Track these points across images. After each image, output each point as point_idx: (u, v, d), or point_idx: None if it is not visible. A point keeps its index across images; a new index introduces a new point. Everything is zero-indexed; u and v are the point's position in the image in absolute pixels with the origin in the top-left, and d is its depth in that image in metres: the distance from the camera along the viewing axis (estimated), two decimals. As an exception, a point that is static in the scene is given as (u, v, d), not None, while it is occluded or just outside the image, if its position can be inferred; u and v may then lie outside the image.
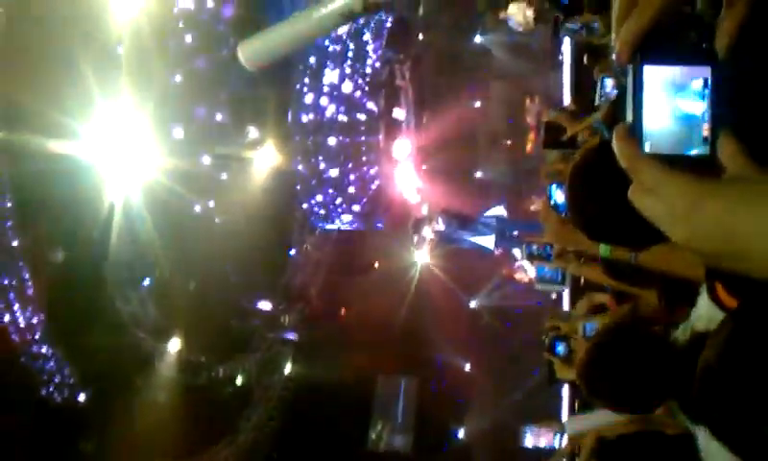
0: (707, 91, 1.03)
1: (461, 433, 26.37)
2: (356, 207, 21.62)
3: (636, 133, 1.08)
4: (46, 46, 16.44)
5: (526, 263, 18.57)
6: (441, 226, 17.88)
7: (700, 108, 1.03)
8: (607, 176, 2.06)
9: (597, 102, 4.83)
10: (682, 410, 2.50)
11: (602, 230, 2.13)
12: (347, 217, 21.92)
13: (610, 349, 2.47)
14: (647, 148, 1.08)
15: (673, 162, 1.05)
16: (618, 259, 4.06)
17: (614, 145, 1.13)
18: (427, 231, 18.58)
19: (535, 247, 5.06)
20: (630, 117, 1.08)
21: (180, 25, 18.54)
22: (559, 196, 6.21)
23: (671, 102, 1.04)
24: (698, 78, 1.04)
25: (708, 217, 0.97)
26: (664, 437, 2.65)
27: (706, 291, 2.33)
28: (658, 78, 1.05)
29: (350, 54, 20.47)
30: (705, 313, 2.32)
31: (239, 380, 23.03)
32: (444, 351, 26.61)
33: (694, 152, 1.04)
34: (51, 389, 17.66)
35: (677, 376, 2.35)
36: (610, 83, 4.66)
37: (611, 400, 2.50)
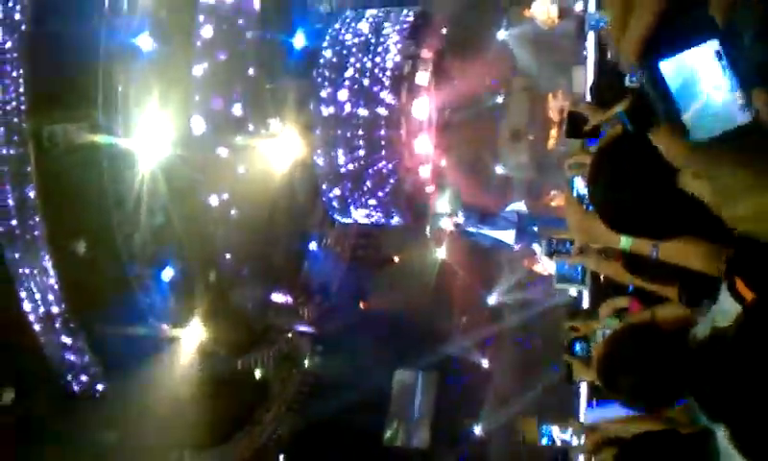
0: (723, 62, 1.01)
1: (478, 429, 26.32)
2: (374, 201, 21.58)
3: (677, 126, 1.07)
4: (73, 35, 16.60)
5: (546, 260, 18.51)
6: (461, 219, 17.85)
7: (724, 80, 1.01)
8: (630, 165, 2.03)
9: (627, 82, 4.78)
10: (700, 408, 2.45)
11: (624, 219, 2.10)
12: (366, 211, 21.88)
13: (628, 342, 2.44)
14: (693, 135, 1.07)
15: (723, 141, 1.04)
16: (639, 255, 4.00)
17: (660, 144, 1.13)
18: (447, 224, 18.58)
19: (555, 242, 4.98)
20: (665, 114, 1.06)
21: (202, 18, 18.60)
22: (581, 187, 6.16)
23: (698, 84, 1.02)
24: (710, 52, 1.02)
25: (761, 200, 0.99)
26: (679, 436, 2.60)
27: (726, 286, 2.29)
28: (675, 69, 1.03)
29: (371, 47, 20.42)
30: (725, 309, 2.28)
31: (257, 373, 23.11)
32: (463, 346, 26.56)
33: (739, 122, 1.02)
34: (72, 378, 17.80)
35: (695, 371, 2.31)
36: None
37: (627, 394, 2.46)
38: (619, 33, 1.06)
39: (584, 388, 10.12)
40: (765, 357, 2.13)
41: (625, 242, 2.91)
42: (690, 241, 2.15)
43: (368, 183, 20.80)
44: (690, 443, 2.64)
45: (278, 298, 20.28)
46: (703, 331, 2.48)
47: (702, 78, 1.02)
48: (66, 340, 17.33)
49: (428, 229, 21.76)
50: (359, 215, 22.37)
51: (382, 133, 20.08)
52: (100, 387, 17.85)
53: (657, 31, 1.19)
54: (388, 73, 20.13)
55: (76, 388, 17.86)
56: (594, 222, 2.62)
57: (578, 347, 5.51)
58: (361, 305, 25.25)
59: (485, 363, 26.19)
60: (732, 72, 1.02)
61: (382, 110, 19.98)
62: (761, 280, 1.98)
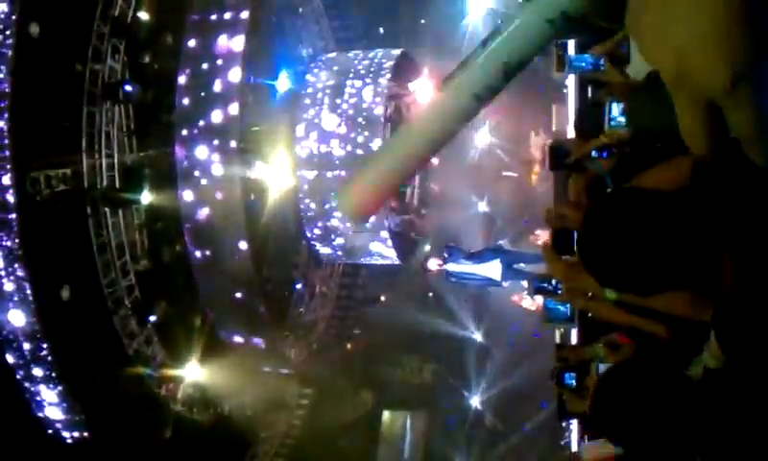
0: None
1: (469, 469, 26.12)
2: (361, 241, 21.60)
3: None
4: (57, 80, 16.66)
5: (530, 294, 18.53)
6: (446, 257, 17.85)
7: None
8: (618, 221, 2.05)
9: (606, 127, 4.85)
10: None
11: (612, 278, 2.11)
12: (351, 249, 21.89)
13: (621, 382, 2.43)
14: None
15: None
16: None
17: None
18: (432, 265, 18.54)
19: (541, 281, 4.99)
20: None
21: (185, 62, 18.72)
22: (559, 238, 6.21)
23: None
24: None
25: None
26: None
27: (714, 335, 2.31)
28: None
29: (355, 88, 20.59)
30: (715, 350, 2.29)
31: (244, 416, 22.87)
32: (452, 386, 26.44)
33: None
34: (56, 428, 17.57)
35: (690, 413, 2.31)
36: (616, 107, 4.69)
37: (621, 439, 2.44)
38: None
39: (575, 426, 10.06)
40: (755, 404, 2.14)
41: (610, 294, 2.93)
42: (677, 294, 2.17)
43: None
44: None
45: (264, 339, 20.14)
46: (696, 371, 2.48)
47: None
48: (50, 387, 17.10)
49: (418, 268, 21.82)
50: (346, 255, 22.38)
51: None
52: (82, 434, 17.57)
53: None
54: (372, 114, 20.27)
55: (59, 435, 17.58)
56: (580, 275, 2.63)
57: (569, 378, 5.49)
58: (348, 346, 25.13)
59: (474, 401, 26.06)
60: None
61: (368, 150, 20.09)
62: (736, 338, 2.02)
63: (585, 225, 2.08)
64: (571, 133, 11.40)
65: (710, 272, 2.03)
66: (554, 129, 17.43)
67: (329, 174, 20.46)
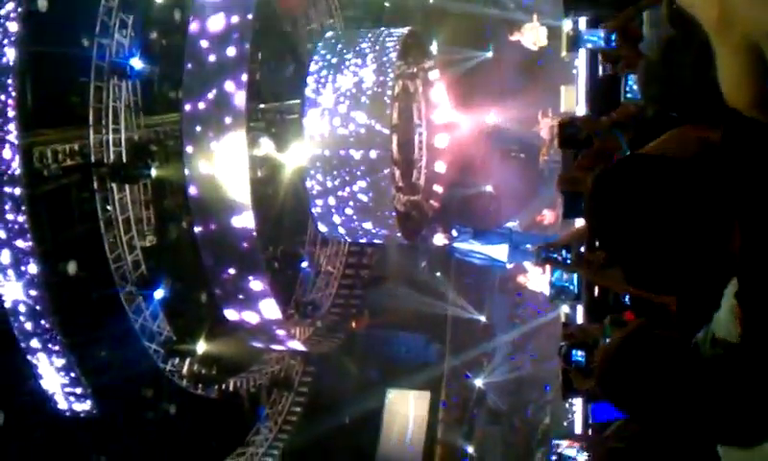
0: None
1: (471, 448, 26.23)
2: (368, 223, 21.59)
3: None
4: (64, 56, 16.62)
5: (538, 272, 18.48)
6: (455, 235, 17.85)
7: None
8: (626, 184, 2.03)
9: (623, 99, 4.80)
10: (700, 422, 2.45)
11: (617, 243, 2.08)
12: (358, 229, 21.88)
13: (631, 348, 2.41)
14: None
15: None
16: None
17: None
18: (440, 240, 18.56)
19: (550, 251, 4.94)
20: None
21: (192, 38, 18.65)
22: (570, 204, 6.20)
23: None
24: None
25: None
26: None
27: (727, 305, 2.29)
28: None
29: (363, 66, 20.49)
30: (725, 319, 2.27)
31: (249, 393, 22.99)
32: (455, 366, 26.52)
33: None
34: (61, 399, 17.65)
35: (697, 382, 2.30)
36: (633, 80, 4.65)
37: (628, 404, 2.43)
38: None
39: (579, 404, 10.08)
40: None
41: None
42: None
43: (362, 201, 20.81)
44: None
45: (271, 316, 20.16)
46: (703, 341, 2.47)
47: None
48: (56, 361, 17.18)
49: (424, 245, 21.80)
50: (352, 233, 22.37)
51: (376, 152, 20.11)
52: (87, 408, 17.66)
53: None
54: (379, 92, 20.19)
55: (64, 408, 17.68)
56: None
57: (576, 355, 5.44)
58: (353, 325, 25.19)
59: (478, 381, 26.13)
60: None
61: (375, 129, 20.02)
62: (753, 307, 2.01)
63: (593, 186, 2.07)
64: (578, 112, 11.36)
65: (719, 240, 2.01)
66: (562, 110, 17.38)
67: (336, 152, 20.41)
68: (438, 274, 26.32)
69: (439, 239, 20.27)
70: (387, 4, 23.89)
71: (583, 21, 7.52)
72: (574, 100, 14.33)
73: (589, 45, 6.27)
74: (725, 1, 1.04)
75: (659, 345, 2.43)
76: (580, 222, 7.26)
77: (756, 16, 1.02)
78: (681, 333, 3.07)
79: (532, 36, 21.81)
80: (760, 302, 2.00)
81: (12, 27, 15.54)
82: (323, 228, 22.39)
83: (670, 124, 3.65)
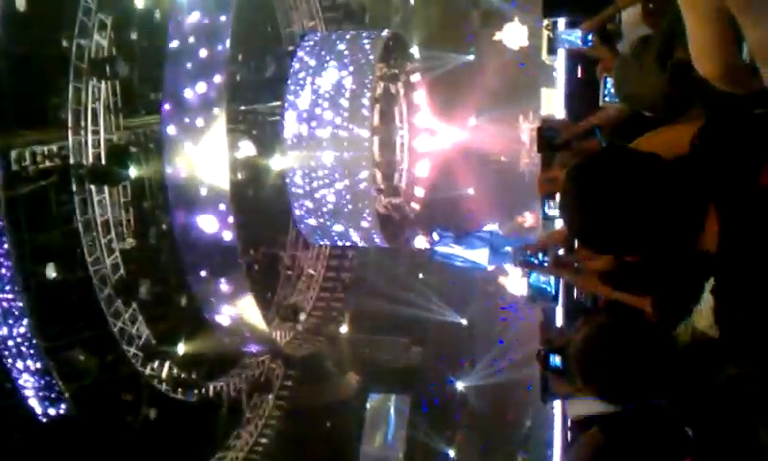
0: None
1: (452, 452, 26.26)
2: (349, 225, 21.53)
3: None
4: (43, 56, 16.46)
5: (516, 274, 18.54)
6: (436, 238, 17.88)
7: None
8: (598, 177, 2.03)
9: (602, 102, 4.80)
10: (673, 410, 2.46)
11: (588, 233, 2.08)
12: (339, 231, 21.81)
13: (610, 333, 2.41)
14: None
15: None
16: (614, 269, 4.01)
17: None
18: (421, 243, 18.60)
19: (528, 253, 4.94)
20: None
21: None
22: (552, 206, 6.20)
23: None
24: None
25: None
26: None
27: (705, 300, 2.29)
28: None
29: (344, 68, 20.44)
30: (706, 312, 2.28)
31: (230, 398, 22.85)
32: (437, 369, 26.54)
33: None
34: (37, 402, 17.50)
35: (676, 373, 2.31)
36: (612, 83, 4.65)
37: (605, 389, 2.43)
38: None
39: (558, 406, 10.10)
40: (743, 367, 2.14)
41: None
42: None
43: (343, 205, 20.75)
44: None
45: (251, 320, 20.07)
46: (684, 333, 2.47)
47: None
48: (32, 364, 17.01)
49: (404, 246, 21.79)
50: (333, 236, 22.30)
51: (356, 154, 20.06)
52: (63, 412, 17.49)
53: None
54: (359, 94, 20.15)
55: (40, 412, 17.51)
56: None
57: (554, 359, 5.43)
58: (335, 327, 25.14)
59: (459, 385, 26.17)
60: None
61: (357, 132, 19.98)
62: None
63: (566, 180, 2.06)
64: (558, 115, 11.39)
65: (691, 235, 2.01)
66: (542, 113, 17.45)
67: (316, 154, 20.35)
68: (420, 275, 26.34)
69: (420, 242, 20.31)
70: (367, 6, 23.87)
71: (562, 22, 7.54)
72: (554, 103, 14.39)
73: (567, 46, 6.29)
74: None
75: (638, 331, 2.43)
76: (559, 224, 7.27)
77: None
78: (659, 323, 3.09)
79: (513, 36, 21.93)
80: (736, 298, 2.00)
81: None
82: (303, 230, 22.31)
83: (647, 125, 3.66)
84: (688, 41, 1.29)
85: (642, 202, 1.94)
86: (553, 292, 6.45)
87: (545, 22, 7.90)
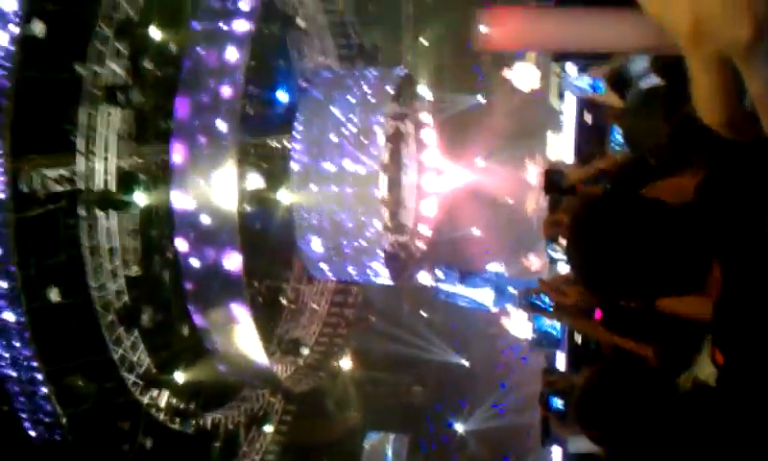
0: None
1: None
2: (354, 261, 21.53)
3: None
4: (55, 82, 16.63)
5: (520, 317, 18.46)
6: (441, 277, 17.85)
7: None
8: (603, 222, 2.04)
9: (609, 148, 4.81)
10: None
11: (592, 276, 2.08)
12: (344, 267, 21.80)
13: (611, 381, 2.40)
14: None
15: None
16: (616, 313, 3.99)
17: None
18: (425, 278, 18.56)
19: (533, 295, 4.91)
20: None
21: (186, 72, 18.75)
22: (557, 249, 6.20)
23: None
24: None
25: None
26: None
27: (707, 348, 2.29)
28: None
29: (356, 106, 20.58)
30: (707, 363, 2.26)
31: (227, 430, 22.67)
32: (437, 410, 26.32)
33: None
34: (33, 426, 17.39)
35: (677, 421, 2.29)
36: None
37: (603, 437, 2.41)
38: None
39: (558, 452, 9.98)
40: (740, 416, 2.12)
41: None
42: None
43: (349, 241, 20.76)
44: None
45: (255, 353, 19.99)
46: (685, 382, 2.46)
47: None
48: (32, 391, 16.93)
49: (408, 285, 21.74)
50: (338, 272, 22.29)
51: (364, 190, 20.13)
52: (59, 438, 17.35)
53: None
54: (370, 131, 20.27)
55: (37, 436, 17.38)
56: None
57: (555, 402, 5.41)
58: (336, 364, 24.99)
59: (459, 427, 25.93)
60: None
61: (366, 169, 20.06)
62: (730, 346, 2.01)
63: (571, 223, 2.07)
64: (566, 160, 11.43)
65: (696, 281, 2.01)
66: (549, 156, 17.52)
67: (324, 189, 20.42)
68: (424, 314, 26.26)
69: (424, 278, 20.26)
70: (380, 45, 24.10)
71: (571, 68, 7.59)
72: (560, 147, 14.43)
73: (576, 92, 6.34)
74: (698, 14, 1.01)
75: (639, 377, 2.42)
76: (563, 267, 7.26)
77: (729, 31, 1.00)
78: (661, 371, 3.07)
79: (524, 77, 22.06)
80: (736, 347, 1.99)
81: (7, 51, 15.56)
82: (308, 264, 22.31)
83: (653, 171, 3.67)
84: (691, 87, 1.30)
85: (646, 246, 1.94)
86: (558, 336, 6.41)
87: (554, 66, 7.96)
